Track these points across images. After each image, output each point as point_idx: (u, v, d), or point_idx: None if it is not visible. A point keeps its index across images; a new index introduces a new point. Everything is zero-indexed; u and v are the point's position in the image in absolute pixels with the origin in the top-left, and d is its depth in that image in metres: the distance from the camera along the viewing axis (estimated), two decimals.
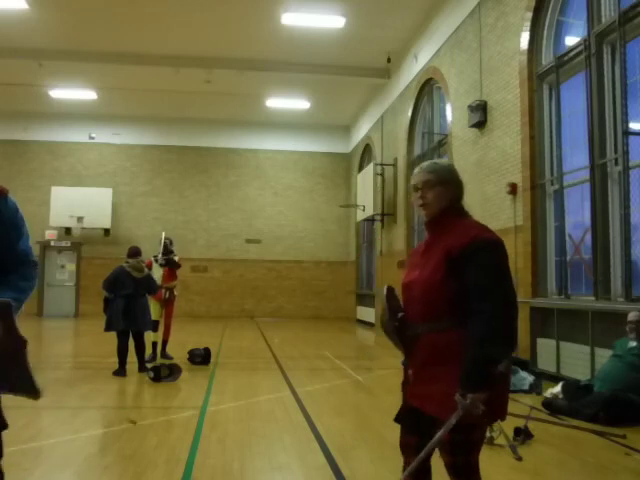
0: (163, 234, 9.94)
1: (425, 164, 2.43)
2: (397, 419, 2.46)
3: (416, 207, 2.41)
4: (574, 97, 7.86)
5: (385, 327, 2.42)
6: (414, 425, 2.35)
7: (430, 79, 12.62)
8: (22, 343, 1.91)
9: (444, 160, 2.65)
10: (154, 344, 9.35)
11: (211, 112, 19.11)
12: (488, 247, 2.18)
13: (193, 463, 4.06)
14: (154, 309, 9.07)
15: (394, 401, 6.65)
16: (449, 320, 2.18)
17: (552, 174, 8.16)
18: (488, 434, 4.40)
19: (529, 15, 8.30)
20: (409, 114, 13.79)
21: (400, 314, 2.35)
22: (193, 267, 19.24)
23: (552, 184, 8.14)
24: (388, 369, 8.84)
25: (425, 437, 2.23)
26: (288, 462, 4.23)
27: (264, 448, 4.56)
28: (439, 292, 2.19)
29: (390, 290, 2.44)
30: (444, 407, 2.11)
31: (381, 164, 16.00)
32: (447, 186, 2.36)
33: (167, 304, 9.57)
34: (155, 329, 9.25)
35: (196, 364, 8.85)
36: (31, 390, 1.97)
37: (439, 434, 2.12)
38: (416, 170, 2.43)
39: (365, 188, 16.84)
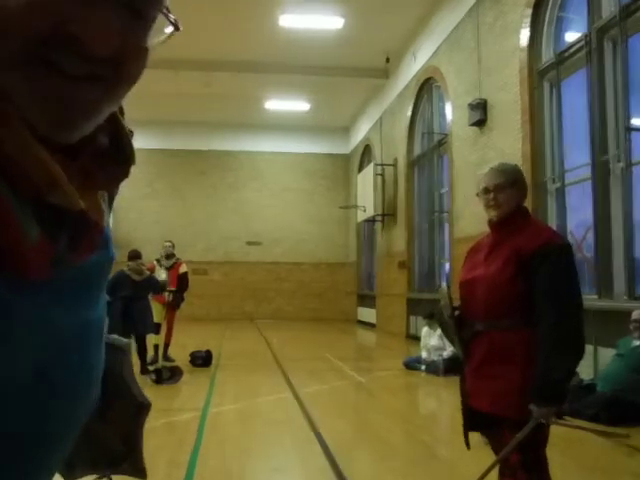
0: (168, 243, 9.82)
1: (494, 166, 2.46)
2: (466, 427, 2.46)
3: (485, 207, 2.44)
4: (575, 94, 7.82)
5: (445, 324, 2.43)
6: (478, 426, 2.38)
7: (429, 78, 12.58)
8: (143, 408, 1.06)
9: (511, 162, 2.70)
10: (156, 347, 9.30)
11: (211, 115, 19.08)
12: (560, 251, 2.24)
13: (194, 465, 4.01)
14: (156, 312, 9.02)
15: (395, 402, 6.66)
16: (512, 319, 2.23)
17: (553, 172, 8.11)
18: None
19: (528, 12, 8.25)
20: (408, 114, 13.75)
21: (457, 312, 2.38)
22: (193, 270, 19.06)
23: (553, 182, 8.09)
24: (389, 370, 8.79)
25: (491, 437, 2.26)
26: (289, 464, 4.19)
27: (265, 450, 4.52)
28: (505, 291, 2.23)
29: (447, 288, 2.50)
30: (502, 405, 2.17)
31: (381, 164, 15.96)
32: (517, 188, 2.41)
33: (169, 307, 9.52)
34: (157, 332, 9.21)
35: (197, 366, 8.81)
36: (137, 471, 1.15)
37: (512, 443, 2.13)
38: (485, 171, 2.45)
39: (365, 189, 16.80)
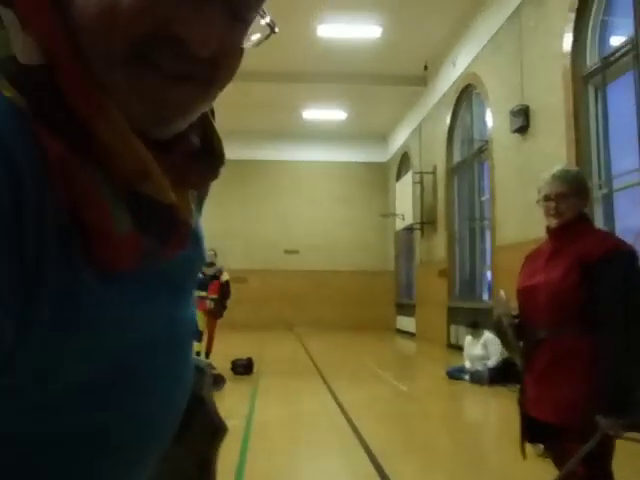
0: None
1: (557, 173, 2.40)
2: (523, 435, 2.40)
3: (545, 215, 2.39)
4: (621, 98, 7.67)
5: (503, 332, 2.40)
6: (538, 436, 2.33)
7: (469, 85, 12.49)
8: (219, 432, 0.97)
9: (573, 168, 2.66)
10: (197, 354, 9.37)
11: (249, 124, 19.24)
12: (627, 259, 2.20)
13: (242, 472, 4.02)
14: (199, 319, 9.10)
15: (439, 410, 6.59)
16: (576, 326, 2.18)
17: (600, 178, 7.97)
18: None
19: (572, 16, 8.15)
20: (447, 121, 13.67)
21: (516, 320, 2.34)
22: (232, 278, 19.23)
23: (600, 188, 7.94)
24: (431, 378, 8.72)
25: (552, 448, 2.20)
26: (336, 470, 4.18)
27: (312, 456, 4.51)
28: (568, 298, 2.19)
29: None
30: (567, 415, 2.10)
31: (420, 172, 15.87)
32: (581, 196, 2.36)
33: (211, 315, 9.59)
34: (199, 339, 9.29)
35: (239, 374, 8.85)
36: None
37: (578, 455, 2.08)
38: (547, 178, 2.40)
39: (404, 197, 16.74)
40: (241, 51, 0.58)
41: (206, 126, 0.64)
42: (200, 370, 0.96)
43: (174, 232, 0.58)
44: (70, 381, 0.51)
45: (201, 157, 0.62)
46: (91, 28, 0.50)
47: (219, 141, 0.65)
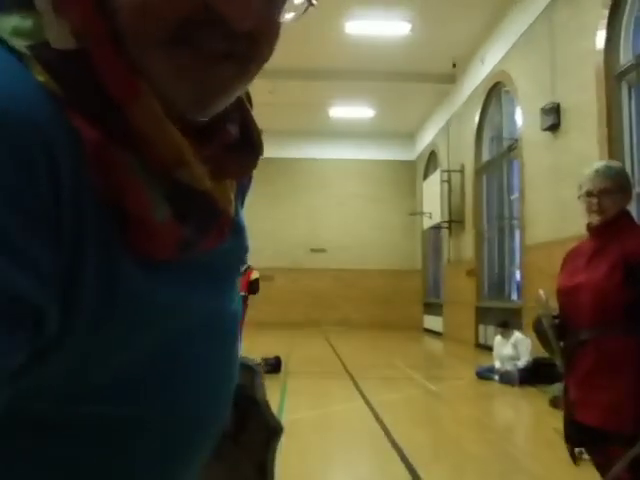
0: None
1: (600, 168, 2.34)
2: (567, 440, 2.35)
3: (586, 211, 2.33)
4: None
5: (544, 333, 2.35)
6: (584, 442, 2.27)
7: (498, 82, 12.37)
8: (275, 433, 0.92)
9: (616, 163, 2.59)
10: None
11: (275, 123, 19.27)
12: None
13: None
14: None
15: (472, 412, 6.55)
16: (621, 326, 2.12)
17: (633, 176, 7.84)
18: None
19: (605, 12, 8.02)
20: (476, 119, 13.55)
21: (556, 320, 2.29)
22: (260, 276, 19.34)
23: (634, 187, 7.81)
24: (461, 379, 8.66)
25: (596, 453, 2.16)
26: (370, 473, 4.17)
27: (344, 458, 4.51)
28: (613, 297, 2.13)
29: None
30: (611, 418, 2.03)
31: (447, 170, 15.77)
32: (624, 193, 2.30)
33: None
34: None
35: (267, 373, 8.86)
36: None
37: (624, 460, 2.02)
38: (589, 174, 2.34)
39: (431, 195, 16.64)
40: (279, 25, 0.58)
41: (244, 116, 0.63)
42: (251, 370, 0.94)
43: (214, 222, 0.57)
44: (111, 367, 0.51)
45: (240, 147, 0.61)
46: (127, 13, 0.50)
47: (257, 131, 0.65)
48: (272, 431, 0.93)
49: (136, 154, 0.51)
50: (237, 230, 0.65)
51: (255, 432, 0.90)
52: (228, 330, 0.66)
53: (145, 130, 0.51)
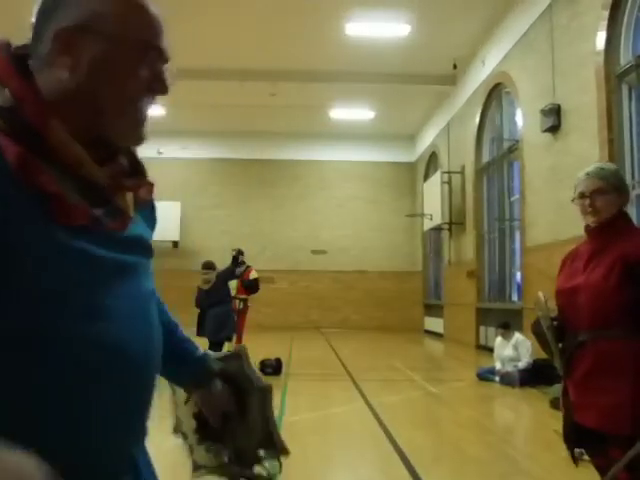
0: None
1: (592, 170, 2.34)
2: (567, 441, 2.35)
3: (582, 213, 2.33)
4: None
5: (542, 335, 2.34)
6: (584, 443, 2.27)
7: (499, 84, 12.37)
8: (266, 392, 1.36)
9: (610, 164, 2.58)
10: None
11: (276, 125, 19.29)
12: None
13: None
14: None
15: (472, 414, 6.53)
16: (620, 328, 2.11)
17: (633, 178, 7.84)
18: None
19: (605, 14, 8.02)
20: (477, 120, 13.55)
21: (555, 322, 2.28)
22: (260, 278, 19.32)
23: (633, 188, 7.81)
24: (462, 381, 8.65)
25: (595, 454, 2.15)
26: (370, 475, 4.16)
27: (345, 460, 4.50)
28: (611, 299, 2.13)
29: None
30: (610, 420, 2.01)
31: (448, 172, 15.77)
32: (618, 193, 2.29)
33: (239, 314, 9.64)
34: (230, 339, 9.34)
35: (267, 375, 8.85)
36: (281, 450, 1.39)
37: (622, 462, 2.02)
38: (582, 176, 2.34)
39: (432, 197, 16.63)
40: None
41: (132, 154, 1.01)
42: (236, 355, 1.34)
43: (118, 214, 0.92)
44: (43, 286, 0.82)
45: (130, 173, 0.98)
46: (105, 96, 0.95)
47: (142, 164, 1.03)
48: (263, 390, 1.33)
49: (51, 161, 0.85)
50: (136, 230, 0.98)
51: (254, 400, 1.29)
52: (134, 271, 0.96)
53: (56, 145, 0.86)
